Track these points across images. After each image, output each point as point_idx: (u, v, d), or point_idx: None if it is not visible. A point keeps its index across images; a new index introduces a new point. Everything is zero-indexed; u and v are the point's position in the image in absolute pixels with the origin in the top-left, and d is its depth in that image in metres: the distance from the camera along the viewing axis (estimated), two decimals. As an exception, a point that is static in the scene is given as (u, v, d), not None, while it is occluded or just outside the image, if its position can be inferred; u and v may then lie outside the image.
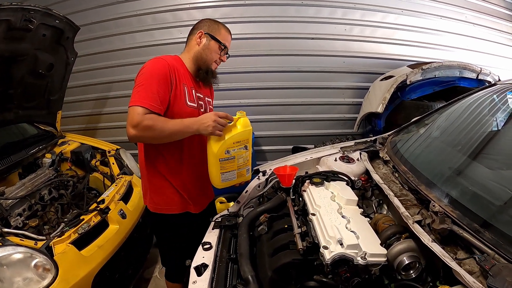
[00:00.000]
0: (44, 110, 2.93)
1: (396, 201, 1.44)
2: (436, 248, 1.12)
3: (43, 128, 3.13)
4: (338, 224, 1.29)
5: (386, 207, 1.71)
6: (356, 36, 3.96)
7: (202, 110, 1.75)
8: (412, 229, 1.24)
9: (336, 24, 3.91)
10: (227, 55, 1.78)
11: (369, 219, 1.48)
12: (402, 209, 1.36)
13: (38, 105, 2.82)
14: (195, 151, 1.72)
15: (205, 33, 1.68)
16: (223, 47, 1.72)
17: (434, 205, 1.25)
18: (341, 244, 1.16)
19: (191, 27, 1.77)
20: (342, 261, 1.15)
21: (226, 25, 1.77)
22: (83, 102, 4.31)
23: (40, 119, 3.01)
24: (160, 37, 3.88)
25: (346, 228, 1.28)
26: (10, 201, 2.18)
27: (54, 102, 2.94)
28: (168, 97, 1.55)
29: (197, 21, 1.77)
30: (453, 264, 1.05)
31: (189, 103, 1.65)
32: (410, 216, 1.32)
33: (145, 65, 1.54)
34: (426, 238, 1.18)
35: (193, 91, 1.69)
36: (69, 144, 3.04)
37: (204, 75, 1.72)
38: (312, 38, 3.90)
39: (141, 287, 2.66)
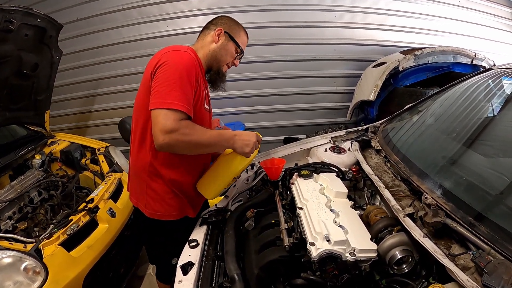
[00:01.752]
0: (32, 111, 2.86)
1: (386, 193, 1.40)
2: (428, 244, 1.09)
3: (32, 128, 3.08)
4: (326, 219, 1.26)
5: (379, 198, 1.68)
6: (347, 23, 3.92)
7: (211, 113, 1.68)
8: (403, 223, 1.21)
9: (325, 11, 3.85)
10: (239, 60, 1.66)
11: (360, 212, 1.46)
12: (392, 202, 1.33)
13: (25, 106, 2.75)
14: (204, 159, 1.62)
15: (224, 32, 1.54)
16: (239, 51, 1.60)
17: (426, 197, 1.22)
18: (328, 241, 1.14)
19: (207, 23, 1.63)
20: (330, 258, 1.13)
21: (236, 17, 1.65)
22: (72, 100, 4.27)
23: (28, 120, 2.94)
24: (147, 31, 3.83)
25: (335, 222, 1.26)
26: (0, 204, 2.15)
27: (42, 102, 2.87)
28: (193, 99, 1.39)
29: (215, 16, 1.63)
30: (446, 261, 1.02)
31: (205, 105, 1.54)
32: (401, 209, 1.28)
33: (171, 58, 1.33)
34: (417, 233, 1.14)
35: (206, 92, 1.57)
36: (58, 143, 3.00)
37: (215, 77, 1.59)
38: (302, 26, 3.85)
39: (134, 285, 2.64)
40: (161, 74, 1.30)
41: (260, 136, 1.50)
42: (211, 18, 1.64)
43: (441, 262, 1.02)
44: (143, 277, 2.75)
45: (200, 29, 1.63)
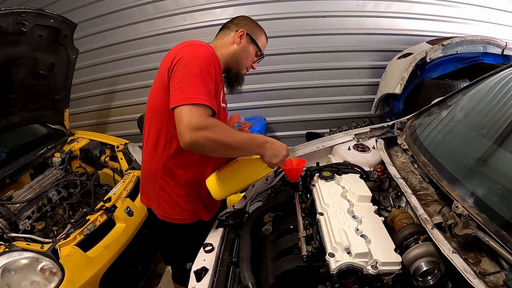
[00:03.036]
0: (50, 110, 2.90)
1: (413, 200, 1.29)
2: (457, 261, 0.99)
3: (53, 127, 3.13)
4: (347, 227, 1.18)
5: (405, 200, 1.56)
6: (370, 11, 3.73)
7: (227, 112, 1.62)
8: (431, 236, 1.10)
9: (348, 0, 3.68)
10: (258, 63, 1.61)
11: (384, 217, 1.35)
12: (420, 210, 1.22)
13: (43, 105, 2.79)
14: (223, 161, 1.55)
15: (246, 34, 1.49)
16: (260, 55, 1.56)
17: (457, 206, 1.10)
18: (349, 253, 1.06)
19: (227, 22, 1.56)
20: (350, 271, 1.05)
21: (236, 10, 1.59)
22: (91, 98, 4.31)
23: (48, 119, 2.99)
24: (163, 25, 3.78)
25: (357, 230, 1.18)
26: (18, 205, 2.20)
27: (60, 100, 2.91)
28: None
29: (234, 16, 1.57)
30: (476, 282, 0.91)
31: (222, 104, 1.49)
32: (429, 219, 1.17)
33: (188, 53, 1.27)
34: (446, 248, 1.03)
35: (222, 90, 1.51)
36: (78, 141, 3.03)
37: (232, 79, 1.55)
38: (323, 16, 3.70)
39: (153, 283, 2.64)
40: (180, 70, 1.23)
41: (290, 153, 1.42)
42: (229, 11, 1.57)
43: (471, 284, 0.92)
44: (161, 274, 2.75)
45: (218, 22, 1.58)
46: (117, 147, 2.98)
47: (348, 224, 1.20)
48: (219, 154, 1.28)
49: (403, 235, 1.19)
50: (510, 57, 3.25)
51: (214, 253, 1.32)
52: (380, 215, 1.34)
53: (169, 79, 1.27)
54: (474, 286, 0.91)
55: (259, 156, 1.34)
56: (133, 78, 4.00)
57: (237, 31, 1.48)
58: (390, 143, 1.92)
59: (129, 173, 2.60)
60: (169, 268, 2.74)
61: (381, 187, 1.69)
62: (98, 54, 4.05)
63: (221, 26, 1.57)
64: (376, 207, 1.35)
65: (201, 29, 3.68)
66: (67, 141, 3.03)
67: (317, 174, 1.57)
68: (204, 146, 1.17)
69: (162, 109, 1.34)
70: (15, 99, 2.49)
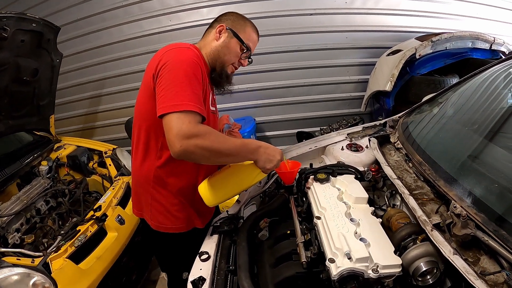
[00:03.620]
0: (35, 117, 2.82)
1: (412, 202, 1.28)
2: (458, 263, 0.98)
3: (38, 134, 3.05)
4: (346, 231, 1.16)
5: (399, 198, 1.56)
6: (358, 8, 3.72)
7: (217, 115, 1.56)
8: (431, 237, 1.09)
9: (336, -3, 3.67)
10: (249, 60, 1.50)
11: (380, 216, 1.34)
12: (419, 212, 1.21)
13: (28, 112, 2.71)
14: (216, 166, 1.49)
15: (226, 28, 1.40)
16: (245, 49, 1.43)
17: (455, 206, 1.09)
18: (350, 258, 1.04)
19: (212, 20, 1.49)
20: (351, 277, 1.03)
21: (223, 9, 1.50)
22: (77, 102, 4.22)
23: (33, 126, 2.91)
24: (149, 26, 3.71)
25: (355, 234, 1.16)
26: (6, 218, 2.13)
27: (45, 107, 2.83)
28: None
29: (220, 14, 1.49)
30: (478, 283, 0.91)
31: (211, 107, 1.43)
32: (427, 220, 1.16)
33: (173, 57, 1.22)
34: (447, 250, 1.03)
35: (210, 93, 1.43)
36: (65, 148, 2.96)
37: (217, 79, 1.44)
38: (311, 14, 3.68)
39: (148, 289, 2.60)
40: (165, 76, 1.18)
41: (284, 156, 1.38)
42: (215, 11, 1.50)
43: (472, 284, 0.91)
44: (156, 281, 2.71)
45: (204, 22, 1.53)
46: (105, 152, 2.92)
47: (346, 228, 1.18)
48: (211, 161, 1.24)
49: (401, 235, 1.19)
50: (498, 51, 3.28)
51: (210, 262, 1.29)
52: (375, 214, 1.33)
53: (155, 85, 1.22)
54: (476, 287, 0.90)
55: (252, 161, 1.31)
56: (119, 81, 3.92)
57: (217, 26, 1.41)
58: (382, 141, 1.91)
59: (119, 179, 2.55)
60: (163, 275, 2.71)
61: (375, 186, 1.69)
62: (82, 57, 3.96)
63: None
64: (373, 209, 1.35)
65: (187, 29, 3.62)
66: (54, 148, 2.96)
67: (312, 177, 1.55)
68: (195, 154, 1.13)
69: (149, 116, 1.29)
70: (-2, 107, 2.41)
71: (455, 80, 3.17)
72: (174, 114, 1.11)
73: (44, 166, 2.71)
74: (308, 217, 1.41)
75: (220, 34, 1.41)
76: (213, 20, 1.50)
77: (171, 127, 1.10)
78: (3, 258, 1.74)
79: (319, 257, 1.14)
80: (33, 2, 3.82)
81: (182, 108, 1.11)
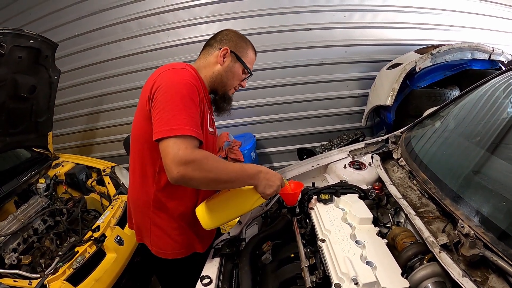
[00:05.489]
0: (33, 134, 2.80)
1: (418, 222, 1.25)
2: (468, 285, 0.95)
3: (36, 150, 3.02)
4: (352, 255, 1.13)
5: (403, 215, 1.53)
6: (357, 22, 3.74)
7: (216, 137, 1.53)
8: (439, 259, 1.06)
9: (334, 12, 3.68)
10: (247, 81, 1.51)
11: (384, 233, 1.33)
12: (426, 233, 1.17)
13: (26, 129, 2.69)
14: (213, 192, 1.44)
15: (230, 52, 1.38)
16: (247, 73, 1.44)
17: (463, 226, 1.06)
18: (356, 284, 1.01)
19: (210, 38, 1.46)
20: (358, 303, 0.99)
21: (221, 25, 1.48)
22: (75, 119, 4.20)
23: (31, 143, 2.88)
24: (148, 42, 3.72)
25: (361, 257, 1.13)
26: (2, 237, 2.09)
27: (43, 123, 2.81)
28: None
29: (219, 30, 1.46)
30: None
31: (209, 128, 1.39)
32: (435, 241, 1.13)
33: (168, 78, 1.19)
34: (455, 272, 1.00)
35: (209, 113, 1.41)
36: (63, 165, 2.93)
37: (221, 100, 1.44)
38: (310, 29, 3.69)
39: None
40: (160, 99, 1.15)
41: (285, 181, 1.35)
42: (214, 27, 1.48)
43: None
44: (156, 301, 2.64)
45: (203, 38, 1.50)
46: (104, 170, 2.89)
47: (352, 252, 1.15)
48: (210, 187, 1.21)
49: (407, 255, 1.16)
50: (497, 61, 3.29)
51: (212, 286, 1.26)
52: (380, 233, 1.30)
53: (151, 108, 1.19)
54: None
55: (252, 186, 1.28)
56: (118, 97, 3.91)
57: (220, 49, 1.38)
58: (385, 157, 1.89)
59: (117, 198, 2.52)
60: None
61: (379, 204, 1.65)
62: (81, 73, 3.95)
63: (204, 43, 1.48)
64: (378, 229, 1.31)
65: (186, 46, 3.63)
66: (52, 166, 2.93)
67: (315, 197, 1.52)
68: (193, 180, 1.10)
69: (146, 138, 1.26)
70: (-4, 124, 2.39)
71: (455, 92, 3.17)
72: (171, 139, 1.08)
73: (41, 184, 2.67)
74: (312, 239, 1.38)
75: (224, 58, 1.38)
76: (210, 37, 1.47)
77: (168, 152, 1.07)
78: (0, 280, 1.71)
79: (325, 282, 1.11)
80: (30, 17, 3.83)
81: (178, 132, 1.08)
